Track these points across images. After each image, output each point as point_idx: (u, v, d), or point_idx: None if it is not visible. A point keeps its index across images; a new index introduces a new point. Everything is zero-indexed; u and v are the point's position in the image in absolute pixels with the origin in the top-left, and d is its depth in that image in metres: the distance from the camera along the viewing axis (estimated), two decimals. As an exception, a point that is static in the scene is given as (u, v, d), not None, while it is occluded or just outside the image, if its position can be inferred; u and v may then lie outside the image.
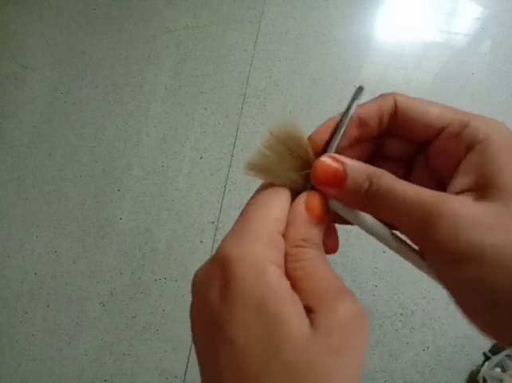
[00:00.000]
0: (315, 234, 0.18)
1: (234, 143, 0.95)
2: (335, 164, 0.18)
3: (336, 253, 0.21)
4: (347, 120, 0.19)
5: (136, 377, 0.82)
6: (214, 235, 0.89)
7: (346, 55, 1.02)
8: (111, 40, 1.07)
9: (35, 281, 0.88)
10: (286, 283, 0.16)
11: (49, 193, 0.94)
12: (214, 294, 0.16)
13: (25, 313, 0.87)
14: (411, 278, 0.82)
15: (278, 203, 0.19)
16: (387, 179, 0.17)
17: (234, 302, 0.15)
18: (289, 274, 0.17)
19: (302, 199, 0.19)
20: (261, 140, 0.19)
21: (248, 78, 1.01)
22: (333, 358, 0.15)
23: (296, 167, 0.20)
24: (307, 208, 0.18)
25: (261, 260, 0.16)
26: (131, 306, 0.85)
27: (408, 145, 0.21)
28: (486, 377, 0.71)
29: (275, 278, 0.16)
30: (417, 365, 0.78)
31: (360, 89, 0.20)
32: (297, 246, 0.18)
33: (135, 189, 0.94)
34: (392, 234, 0.19)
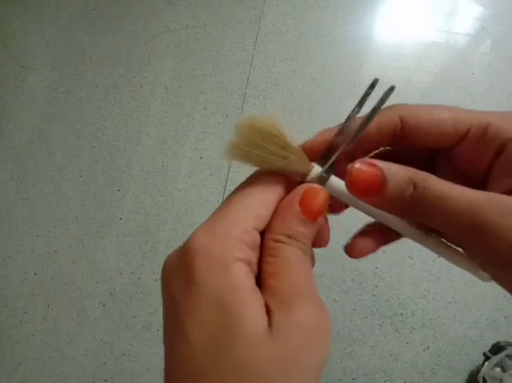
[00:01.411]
0: (304, 233, 0.17)
1: (234, 143, 0.95)
2: (370, 170, 0.16)
3: (327, 246, 0.20)
4: (371, 121, 0.18)
5: (136, 377, 0.82)
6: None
7: (346, 55, 1.02)
8: (111, 40, 1.07)
9: (35, 281, 0.88)
10: (250, 281, 0.16)
11: (49, 193, 0.94)
12: (177, 283, 0.16)
13: (25, 313, 0.87)
14: (411, 278, 0.82)
15: (263, 197, 0.17)
16: (434, 182, 0.16)
17: (193, 295, 0.15)
18: (262, 267, 0.17)
19: (300, 191, 0.17)
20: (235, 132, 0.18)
21: (248, 78, 1.01)
22: (284, 362, 0.14)
23: (278, 157, 0.18)
24: (301, 204, 0.17)
25: (227, 256, 0.15)
26: (131, 305, 0.85)
27: (419, 152, 0.19)
28: (486, 377, 0.71)
29: (238, 275, 0.15)
30: (417, 365, 0.78)
31: (390, 90, 0.18)
32: (278, 241, 0.17)
33: (135, 189, 0.94)
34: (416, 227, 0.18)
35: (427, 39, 1.04)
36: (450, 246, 0.19)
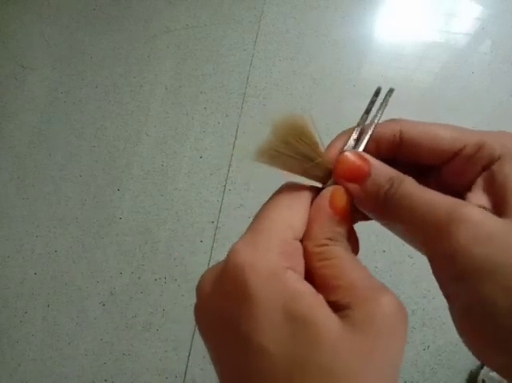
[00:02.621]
0: (340, 232, 0.17)
1: (234, 142, 0.95)
2: (359, 161, 0.18)
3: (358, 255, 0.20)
4: (374, 125, 0.19)
5: (136, 377, 0.82)
6: (214, 235, 0.89)
7: (346, 55, 1.02)
8: (111, 40, 1.07)
9: (35, 281, 0.88)
10: (307, 285, 0.16)
11: (49, 193, 0.94)
12: (229, 302, 0.16)
13: (25, 313, 0.87)
14: (412, 278, 0.82)
15: (295, 207, 0.18)
16: (408, 184, 0.17)
17: (254, 309, 0.15)
18: (316, 274, 0.17)
19: (327, 195, 0.18)
20: (266, 132, 0.19)
21: (248, 78, 1.01)
22: (371, 358, 0.14)
23: (306, 158, 0.19)
24: (331, 205, 0.18)
25: (276, 266, 0.15)
26: (131, 305, 0.85)
27: (412, 167, 0.20)
28: (486, 380, 0.71)
29: (294, 282, 0.15)
30: (417, 364, 0.78)
31: (390, 92, 0.19)
32: (323, 245, 0.17)
33: (135, 189, 0.94)
34: None
35: (427, 39, 1.04)
36: None
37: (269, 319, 0.15)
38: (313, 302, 0.15)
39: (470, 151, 0.17)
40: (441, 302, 0.85)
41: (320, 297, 0.16)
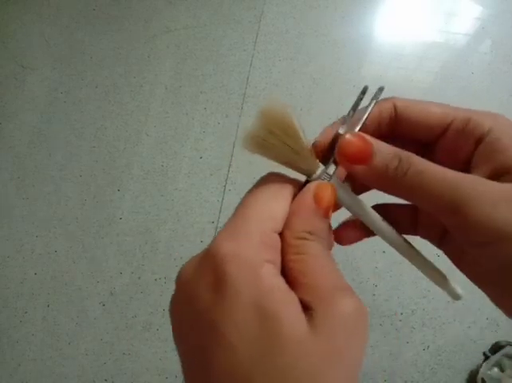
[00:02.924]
0: (322, 228, 0.17)
1: (234, 143, 0.95)
2: (361, 142, 0.17)
3: (332, 249, 0.21)
4: (364, 118, 0.19)
5: (136, 377, 0.82)
6: (214, 235, 0.88)
7: (346, 55, 1.02)
8: (111, 40, 1.07)
9: (35, 281, 0.88)
10: (281, 282, 0.16)
11: (49, 193, 0.94)
12: (205, 291, 0.15)
13: (25, 313, 0.87)
14: (411, 278, 0.82)
15: (277, 198, 0.18)
16: (418, 159, 0.17)
17: (227, 300, 0.15)
18: (288, 267, 0.17)
19: (311, 188, 0.18)
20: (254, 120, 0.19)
21: (248, 78, 1.01)
22: (332, 358, 0.14)
23: (290, 149, 0.19)
24: (316, 199, 0.18)
25: (255, 259, 0.15)
26: (131, 305, 0.85)
27: (410, 146, 0.20)
28: (485, 379, 0.71)
29: (269, 276, 0.15)
30: (417, 364, 0.78)
31: (380, 90, 0.20)
32: (301, 238, 0.17)
33: (135, 189, 0.94)
34: (404, 239, 0.19)
35: (427, 39, 1.04)
36: (436, 269, 0.20)
37: (240, 312, 0.15)
38: (283, 299, 0.15)
39: (459, 124, 0.18)
40: (441, 302, 0.85)
41: (293, 294, 0.15)
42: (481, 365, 0.73)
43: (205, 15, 1.08)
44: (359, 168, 0.18)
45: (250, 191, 0.19)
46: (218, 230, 0.89)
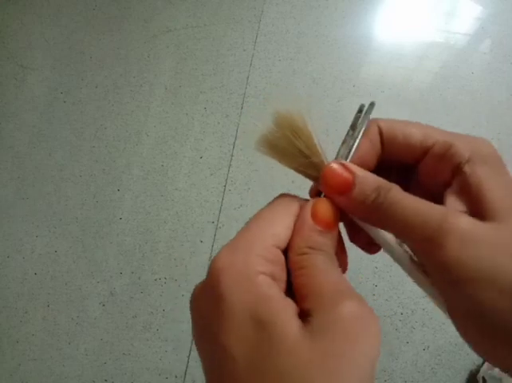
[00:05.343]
0: (323, 241, 0.18)
1: (234, 142, 0.95)
2: (344, 172, 0.18)
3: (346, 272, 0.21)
4: (360, 135, 0.19)
5: (136, 377, 0.82)
6: (214, 235, 0.89)
7: (346, 55, 1.02)
8: (111, 40, 1.07)
9: (35, 281, 0.88)
10: (276, 291, 0.16)
11: (49, 193, 0.94)
12: (206, 304, 0.16)
13: (25, 313, 0.87)
14: (411, 278, 0.82)
15: (281, 216, 0.18)
16: (395, 193, 0.17)
17: (225, 312, 0.15)
18: (295, 284, 0.17)
19: (309, 206, 0.18)
20: (267, 122, 0.19)
21: (248, 78, 1.01)
22: (328, 363, 0.14)
23: (302, 155, 0.19)
24: (313, 215, 0.18)
25: (249, 270, 0.16)
26: (131, 305, 0.85)
27: (398, 166, 0.21)
28: (486, 377, 0.71)
29: (263, 286, 0.15)
30: (417, 364, 0.78)
31: (371, 105, 0.20)
32: (302, 254, 0.17)
33: (135, 189, 0.94)
34: (411, 258, 0.19)
35: (427, 39, 1.04)
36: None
37: (237, 321, 0.15)
38: (277, 306, 0.15)
39: (440, 149, 0.18)
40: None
41: (288, 301, 0.16)
42: (482, 364, 0.73)
43: (205, 15, 1.07)
44: (340, 198, 0.18)
45: (258, 212, 0.19)
46: (218, 230, 0.89)
